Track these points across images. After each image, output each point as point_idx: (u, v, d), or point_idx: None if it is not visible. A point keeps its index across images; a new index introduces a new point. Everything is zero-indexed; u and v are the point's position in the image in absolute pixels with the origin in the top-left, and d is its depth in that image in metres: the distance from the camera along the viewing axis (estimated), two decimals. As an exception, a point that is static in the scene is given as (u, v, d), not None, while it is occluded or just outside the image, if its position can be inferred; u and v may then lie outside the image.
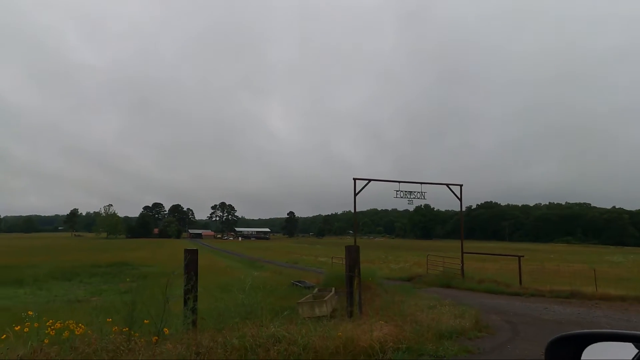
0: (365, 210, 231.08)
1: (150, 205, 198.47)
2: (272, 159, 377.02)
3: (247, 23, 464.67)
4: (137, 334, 5.80)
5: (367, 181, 19.99)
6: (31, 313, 5.59)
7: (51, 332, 5.54)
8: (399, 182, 20.59)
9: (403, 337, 6.92)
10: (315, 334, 6.30)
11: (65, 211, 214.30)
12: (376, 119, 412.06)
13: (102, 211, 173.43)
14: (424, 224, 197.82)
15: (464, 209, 23.62)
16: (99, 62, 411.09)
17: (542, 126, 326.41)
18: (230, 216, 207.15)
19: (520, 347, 7.87)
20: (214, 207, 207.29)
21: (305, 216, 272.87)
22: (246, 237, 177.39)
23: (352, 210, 21.15)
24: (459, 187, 21.64)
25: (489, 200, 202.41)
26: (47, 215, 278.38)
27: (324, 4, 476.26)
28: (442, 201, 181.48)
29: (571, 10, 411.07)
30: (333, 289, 13.62)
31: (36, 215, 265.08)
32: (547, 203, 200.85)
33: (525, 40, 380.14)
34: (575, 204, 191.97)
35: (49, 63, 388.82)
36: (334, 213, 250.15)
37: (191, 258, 7.62)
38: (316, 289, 14.92)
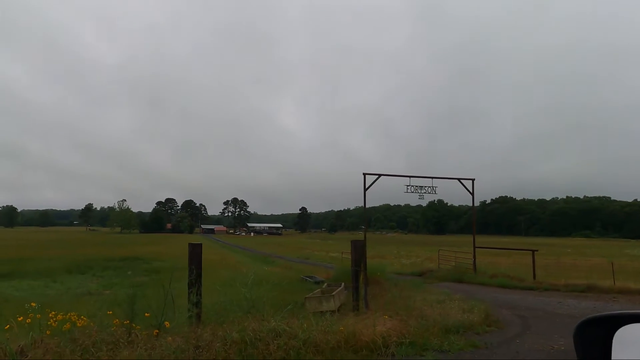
0: (377, 205, 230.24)
1: (163, 201, 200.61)
2: (284, 154, 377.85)
3: (260, 19, 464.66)
4: (138, 327, 5.81)
5: (377, 176, 19.83)
6: (34, 304, 5.62)
7: (53, 324, 5.57)
8: (410, 176, 20.39)
9: (407, 332, 6.80)
10: (317, 328, 6.22)
11: (80, 206, 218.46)
12: (390, 115, 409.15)
13: (116, 206, 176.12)
14: (437, 219, 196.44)
15: (477, 203, 23.34)
16: (113, 59, 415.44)
17: (561, 121, 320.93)
18: (242, 212, 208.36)
19: (530, 342, 7.69)
20: (226, 203, 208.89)
21: (318, 212, 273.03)
22: (258, 232, 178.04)
23: (364, 206, 20.97)
24: (470, 181, 21.35)
25: (504, 195, 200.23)
26: (62, 209, 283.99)
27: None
28: (456, 196, 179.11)
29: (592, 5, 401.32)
30: (342, 284, 13.54)
31: (52, 210, 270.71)
32: (565, 197, 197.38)
33: (544, 35, 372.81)
34: (595, 197, 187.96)
35: (64, 60, 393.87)
36: (346, 209, 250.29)
37: (195, 252, 7.58)
38: (325, 284, 14.87)
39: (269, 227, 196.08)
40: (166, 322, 5.94)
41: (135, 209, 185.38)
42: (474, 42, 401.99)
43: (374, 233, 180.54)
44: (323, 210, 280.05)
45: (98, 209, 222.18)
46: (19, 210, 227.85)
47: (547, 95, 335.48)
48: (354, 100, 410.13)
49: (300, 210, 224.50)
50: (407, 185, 20.10)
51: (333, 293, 11.14)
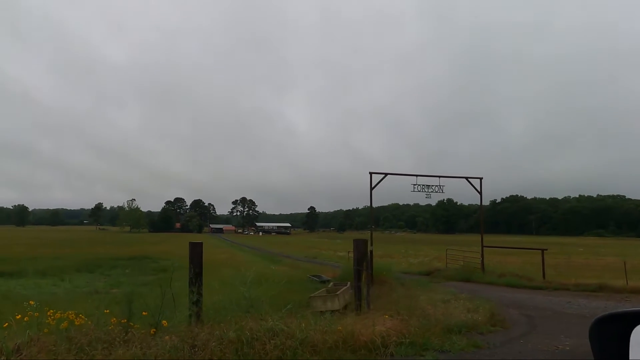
0: (386, 205, 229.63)
1: (172, 200, 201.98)
2: (293, 154, 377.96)
3: (270, 18, 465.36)
4: (137, 326, 5.79)
5: (383, 175, 19.73)
6: (32, 303, 5.63)
7: (51, 322, 5.56)
8: (417, 175, 20.25)
9: (408, 332, 6.69)
10: (315, 328, 6.14)
11: (90, 205, 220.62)
12: (400, 114, 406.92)
13: (126, 205, 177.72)
14: (446, 218, 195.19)
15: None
16: (123, 56, 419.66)
17: (574, 119, 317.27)
18: (251, 211, 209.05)
19: (533, 342, 7.54)
20: (234, 202, 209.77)
21: (326, 211, 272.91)
22: (267, 231, 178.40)
23: (370, 205, 20.88)
24: (478, 180, 21.14)
25: (514, 194, 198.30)
26: (73, 208, 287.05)
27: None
28: (465, 195, 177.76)
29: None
30: (348, 283, 13.45)
31: (62, 209, 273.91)
32: (577, 196, 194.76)
33: (555, 33, 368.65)
34: (608, 196, 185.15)
35: (74, 57, 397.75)
36: (355, 208, 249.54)
37: (195, 251, 7.53)
38: (331, 283, 14.78)
39: (278, 226, 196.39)
40: (164, 321, 5.91)
41: (144, 209, 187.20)
42: (485, 42, 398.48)
43: (382, 232, 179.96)
44: (332, 210, 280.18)
45: (108, 208, 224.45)
46: (30, 210, 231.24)
47: (559, 93, 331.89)
48: (363, 100, 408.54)
49: (308, 209, 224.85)
50: (414, 185, 19.96)
51: (338, 292, 11.07)
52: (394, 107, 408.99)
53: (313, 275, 19.62)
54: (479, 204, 23.05)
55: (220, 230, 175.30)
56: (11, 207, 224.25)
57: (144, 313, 5.93)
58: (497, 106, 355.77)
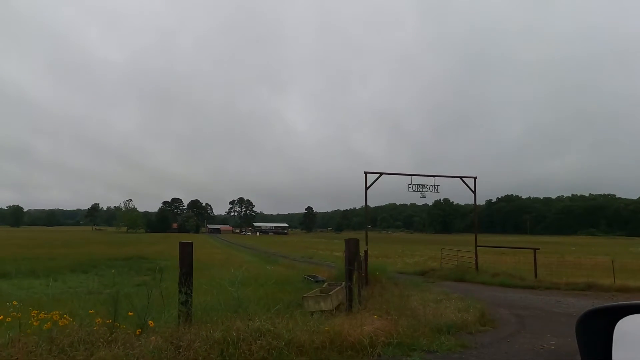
0: (383, 205, 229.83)
1: (170, 200, 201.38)
2: (290, 154, 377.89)
3: (266, 15, 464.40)
4: (123, 326, 5.74)
5: (378, 175, 19.75)
6: (15, 303, 5.57)
7: (35, 323, 5.51)
8: (411, 175, 20.27)
9: (396, 332, 6.67)
10: (303, 328, 6.11)
11: (86, 205, 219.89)
12: (397, 115, 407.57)
13: (122, 206, 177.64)
14: (442, 218, 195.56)
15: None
16: (120, 57, 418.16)
17: (567, 119, 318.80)
18: (248, 211, 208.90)
19: (521, 341, 7.56)
20: (232, 203, 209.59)
21: (324, 211, 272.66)
22: (264, 232, 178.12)
23: (365, 205, 20.92)
24: (472, 179, 21.16)
25: (509, 194, 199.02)
26: (69, 209, 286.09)
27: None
28: (462, 195, 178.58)
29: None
30: (343, 283, 13.43)
31: (59, 209, 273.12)
32: (570, 195, 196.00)
33: (547, 38, 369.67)
34: (600, 195, 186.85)
35: (70, 58, 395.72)
36: (352, 208, 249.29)
37: (185, 251, 7.49)
38: (326, 283, 14.75)
39: (275, 226, 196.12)
40: (150, 322, 5.87)
41: (141, 209, 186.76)
42: (480, 42, 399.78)
43: (379, 232, 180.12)
44: (329, 210, 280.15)
45: (104, 208, 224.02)
46: (25, 210, 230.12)
47: (554, 95, 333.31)
48: (360, 99, 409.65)
49: (306, 209, 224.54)
50: (409, 184, 19.99)
51: (331, 292, 11.05)
52: (392, 108, 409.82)
53: (308, 276, 19.56)
54: (474, 203, 23.10)
55: (217, 231, 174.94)
56: (6, 208, 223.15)
57: (129, 313, 5.88)
58: (493, 107, 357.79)
